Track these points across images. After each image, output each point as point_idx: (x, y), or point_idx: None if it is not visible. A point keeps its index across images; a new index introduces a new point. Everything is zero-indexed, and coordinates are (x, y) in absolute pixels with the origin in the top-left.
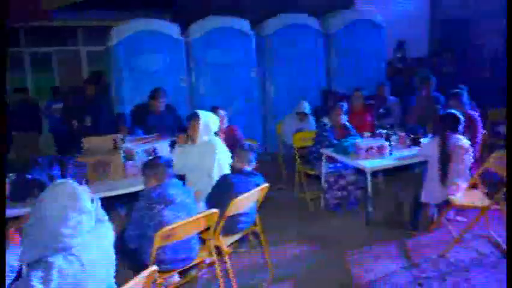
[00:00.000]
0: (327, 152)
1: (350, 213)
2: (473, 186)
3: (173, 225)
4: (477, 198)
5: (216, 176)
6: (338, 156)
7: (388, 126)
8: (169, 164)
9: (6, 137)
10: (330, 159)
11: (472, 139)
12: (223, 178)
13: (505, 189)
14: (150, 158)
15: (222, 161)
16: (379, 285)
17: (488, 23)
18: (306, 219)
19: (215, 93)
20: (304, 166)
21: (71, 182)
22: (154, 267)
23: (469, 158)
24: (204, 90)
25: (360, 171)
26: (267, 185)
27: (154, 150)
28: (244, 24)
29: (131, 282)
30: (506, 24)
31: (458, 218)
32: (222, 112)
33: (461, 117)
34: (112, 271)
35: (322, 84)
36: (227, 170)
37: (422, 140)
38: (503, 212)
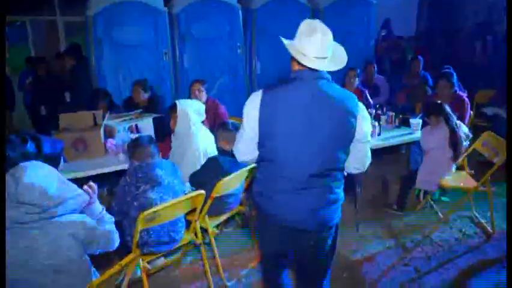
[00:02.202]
0: None
1: None
2: (460, 167)
3: (157, 208)
4: (464, 180)
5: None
6: None
7: (377, 105)
8: (152, 142)
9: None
10: None
11: (460, 120)
12: (211, 159)
13: (490, 171)
14: (136, 136)
15: (207, 149)
16: (366, 265)
17: (475, 3)
18: None
19: (199, 68)
20: None
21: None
22: (137, 253)
23: (467, 145)
24: (188, 65)
25: None
26: (255, 165)
27: (137, 128)
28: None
29: (114, 269)
30: (506, 24)
31: (443, 199)
32: (197, 85)
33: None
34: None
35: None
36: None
37: (411, 120)
38: (489, 193)
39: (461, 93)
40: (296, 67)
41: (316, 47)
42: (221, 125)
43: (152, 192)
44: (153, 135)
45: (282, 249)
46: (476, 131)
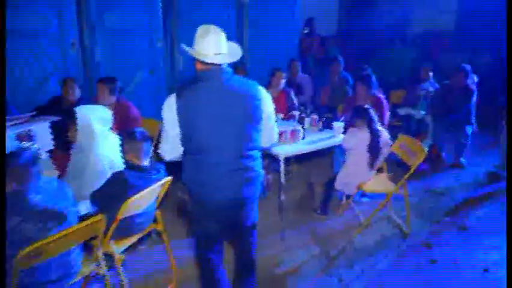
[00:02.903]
0: None
1: (262, 199)
2: (379, 169)
3: (39, 244)
4: (383, 183)
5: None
6: None
7: (301, 107)
8: (33, 160)
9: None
10: None
11: (380, 120)
12: (116, 175)
13: (407, 175)
14: (10, 152)
15: (115, 162)
16: (290, 278)
17: (386, 4)
18: None
19: (113, 63)
20: None
21: None
22: None
23: (387, 150)
24: (100, 59)
25: (271, 155)
26: (169, 178)
27: (29, 136)
28: None
29: None
30: (506, 24)
31: (363, 199)
32: (102, 87)
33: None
34: None
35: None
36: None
37: (334, 123)
38: (405, 196)
39: (379, 94)
40: (200, 66)
41: (213, 44)
42: (128, 135)
43: (28, 224)
44: (51, 144)
45: (217, 226)
46: (391, 131)
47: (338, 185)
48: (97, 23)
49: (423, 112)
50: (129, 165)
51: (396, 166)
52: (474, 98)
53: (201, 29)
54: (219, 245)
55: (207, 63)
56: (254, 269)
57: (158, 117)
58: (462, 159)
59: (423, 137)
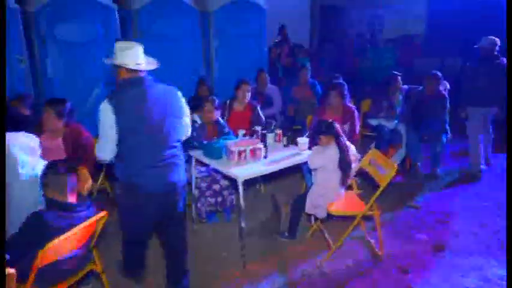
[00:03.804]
0: (196, 154)
1: (225, 223)
2: (349, 187)
3: None
4: (352, 203)
5: None
6: (207, 161)
7: (271, 119)
8: None
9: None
10: (202, 162)
11: (351, 132)
12: (33, 217)
13: (376, 194)
14: None
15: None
16: None
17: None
18: None
19: (67, 77)
20: None
21: None
22: None
23: (356, 166)
24: (52, 74)
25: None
26: (102, 214)
27: None
28: None
29: None
30: (506, 24)
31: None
32: (46, 109)
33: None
34: None
35: (199, 69)
36: None
37: (298, 139)
38: (376, 216)
39: (350, 105)
40: (125, 75)
41: (136, 55)
42: (50, 167)
43: None
44: None
45: (152, 214)
46: (364, 141)
47: (308, 208)
48: (47, 36)
49: (395, 121)
50: (51, 203)
51: (366, 182)
52: (447, 106)
53: (121, 43)
54: (148, 238)
55: (132, 72)
56: (186, 261)
57: None
58: (438, 170)
59: (396, 147)
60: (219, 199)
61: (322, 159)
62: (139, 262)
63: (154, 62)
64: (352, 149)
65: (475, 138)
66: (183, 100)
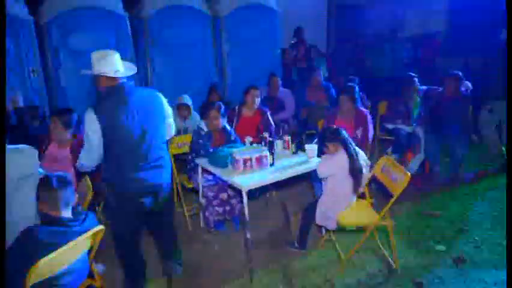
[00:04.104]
0: (202, 162)
1: (234, 232)
2: (361, 195)
3: None
4: (364, 213)
5: None
6: (213, 169)
7: (282, 124)
8: None
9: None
10: (209, 170)
11: (363, 138)
12: (25, 233)
13: (389, 204)
14: None
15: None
16: None
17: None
18: (184, 242)
19: (79, 88)
20: (182, 177)
21: None
22: None
23: (366, 173)
24: (65, 84)
25: None
26: (99, 228)
27: None
28: (114, 4)
29: None
30: (506, 24)
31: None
32: (53, 119)
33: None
34: None
35: (211, 75)
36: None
37: (306, 146)
38: (389, 228)
39: (363, 109)
40: (106, 83)
41: (113, 62)
42: (42, 181)
43: None
44: None
45: (143, 213)
46: (380, 145)
47: (318, 219)
48: (59, 47)
49: (413, 124)
50: (45, 218)
51: (379, 190)
52: (470, 107)
53: (97, 53)
54: (140, 237)
55: (112, 80)
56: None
57: None
58: (459, 175)
59: (415, 151)
60: (227, 208)
61: (330, 167)
62: (139, 264)
63: (132, 66)
64: (362, 154)
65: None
66: (165, 101)
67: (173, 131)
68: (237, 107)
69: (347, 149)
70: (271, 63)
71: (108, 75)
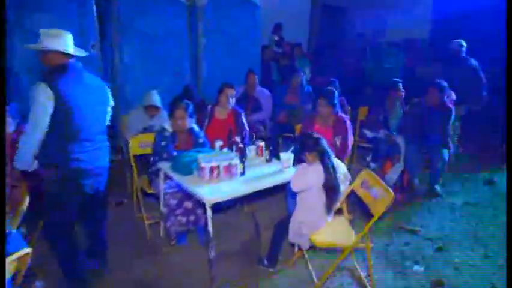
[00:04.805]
0: (164, 167)
1: (198, 245)
2: (338, 210)
3: None
4: (341, 232)
5: None
6: (175, 176)
7: (258, 126)
8: None
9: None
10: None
11: (342, 146)
12: None
13: (369, 224)
14: None
15: None
16: None
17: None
18: (141, 254)
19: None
20: (143, 180)
21: None
22: None
23: (345, 188)
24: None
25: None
26: (24, 252)
27: None
28: None
29: None
30: (506, 25)
31: None
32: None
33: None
34: None
35: (185, 69)
36: None
37: (282, 155)
38: (367, 249)
39: (342, 115)
40: (57, 60)
41: (66, 42)
42: None
43: None
44: None
45: (82, 196)
46: (359, 153)
47: (291, 237)
48: (14, 26)
49: (394, 132)
50: None
51: (357, 205)
52: (452, 118)
53: (50, 30)
54: (73, 226)
55: (64, 57)
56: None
57: None
58: (437, 187)
59: (394, 160)
60: (192, 218)
61: (306, 180)
62: (78, 261)
63: (82, 50)
64: (342, 167)
65: None
66: (110, 94)
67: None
68: (209, 107)
69: (323, 162)
70: (250, 60)
71: (67, 51)
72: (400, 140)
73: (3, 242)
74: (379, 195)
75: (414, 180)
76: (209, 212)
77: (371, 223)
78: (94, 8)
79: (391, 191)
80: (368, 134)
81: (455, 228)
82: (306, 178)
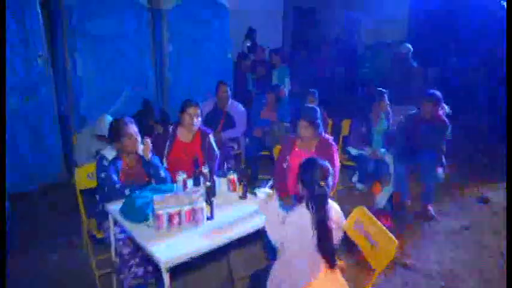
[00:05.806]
0: (112, 211)
1: None
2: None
3: None
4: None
5: None
6: (126, 224)
7: (233, 145)
8: None
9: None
10: None
11: (330, 164)
12: None
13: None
14: None
15: None
16: None
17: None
18: None
19: None
20: (90, 223)
21: None
22: None
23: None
24: None
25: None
26: None
27: None
28: None
29: None
30: (506, 24)
31: None
32: None
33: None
34: None
35: (147, 80)
36: None
37: (258, 192)
38: None
39: (327, 136)
40: None
41: None
42: None
43: None
44: None
45: None
46: (342, 172)
47: None
48: None
49: (382, 150)
50: None
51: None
52: (447, 132)
53: None
54: None
55: None
56: None
57: None
58: (431, 209)
59: (383, 182)
60: (150, 268)
61: (285, 229)
62: None
63: None
64: (335, 210)
65: None
66: None
67: None
68: (171, 127)
69: (311, 204)
70: (222, 69)
71: None
72: (388, 158)
73: (3, 242)
74: (379, 244)
75: (405, 202)
76: (166, 278)
77: (372, 280)
78: (39, 11)
79: (394, 238)
80: (353, 151)
81: (455, 259)
82: (286, 227)
